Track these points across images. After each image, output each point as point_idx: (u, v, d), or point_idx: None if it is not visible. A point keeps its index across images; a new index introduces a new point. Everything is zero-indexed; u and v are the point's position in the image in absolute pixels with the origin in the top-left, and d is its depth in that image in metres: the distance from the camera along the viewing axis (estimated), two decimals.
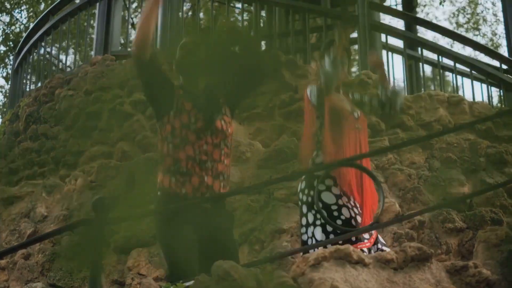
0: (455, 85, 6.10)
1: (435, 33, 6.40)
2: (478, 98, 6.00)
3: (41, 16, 7.30)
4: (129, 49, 6.86)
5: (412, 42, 5.90)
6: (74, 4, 6.79)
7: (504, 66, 6.09)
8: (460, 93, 6.20)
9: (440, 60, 6.05)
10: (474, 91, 5.88)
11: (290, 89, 5.32)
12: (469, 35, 18.96)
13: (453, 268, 3.03)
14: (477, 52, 12.63)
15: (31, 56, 7.48)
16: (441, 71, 6.21)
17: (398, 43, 6.26)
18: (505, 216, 4.59)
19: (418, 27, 8.23)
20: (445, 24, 32.54)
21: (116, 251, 4.63)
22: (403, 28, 9.13)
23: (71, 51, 7.41)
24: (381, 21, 6.56)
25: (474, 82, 5.96)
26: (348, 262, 2.74)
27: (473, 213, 4.54)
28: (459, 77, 6.17)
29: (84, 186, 5.06)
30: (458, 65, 5.91)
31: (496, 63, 6.34)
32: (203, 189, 3.03)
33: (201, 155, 3.06)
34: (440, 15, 33.29)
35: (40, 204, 5.18)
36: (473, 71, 5.90)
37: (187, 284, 2.88)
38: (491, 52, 6.24)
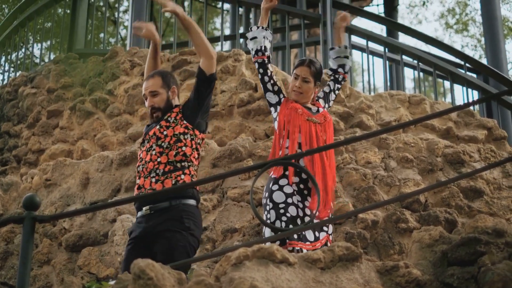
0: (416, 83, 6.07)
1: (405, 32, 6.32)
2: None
3: (8, 15, 7.27)
4: (109, 47, 6.86)
5: (378, 42, 5.84)
6: (41, 1, 6.74)
7: (469, 65, 6.07)
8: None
9: (415, 60, 6.02)
10: (436, 90, 5.84)
11: (249, 88, 5.28)
12: (458, 36, 19.00)
13: (383, 268, 2.99)
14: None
15: None
16: (419, 72, 6.17)
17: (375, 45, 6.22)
18: (460, 217, 4.56)
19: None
20: (435, 25, 32.60)
21: (67, 249, 4.60)
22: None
23: (41, 48, 7.33)
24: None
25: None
26: (272, 261, 2.71)
27: (427, 213, 4.51)
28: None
29: (40, 184, 5.02)
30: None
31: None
32: (139, 188, 3.41)
33: (138, 162, 3.54)
34: (430, 16, 33.31)
35: None
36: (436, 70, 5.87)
37: (111, 282, 2.88)
38: (455, 51, 6.20)
